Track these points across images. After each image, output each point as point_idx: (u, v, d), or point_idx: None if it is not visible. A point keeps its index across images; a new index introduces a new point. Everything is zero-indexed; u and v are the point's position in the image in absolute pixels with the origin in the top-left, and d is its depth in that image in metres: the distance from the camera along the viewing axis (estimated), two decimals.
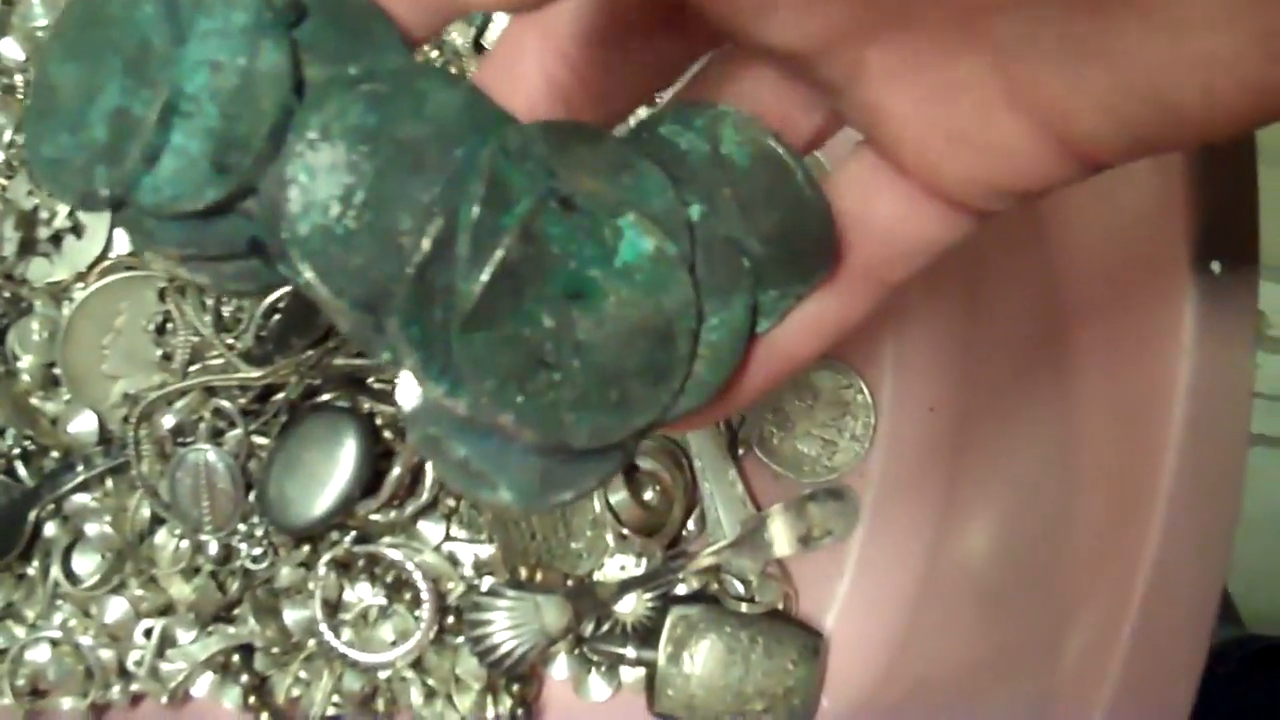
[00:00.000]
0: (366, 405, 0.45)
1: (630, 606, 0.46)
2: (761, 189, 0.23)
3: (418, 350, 0.20)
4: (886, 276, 0.24)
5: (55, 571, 0.46)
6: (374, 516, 0.46)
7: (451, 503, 0.47)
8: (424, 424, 0.22)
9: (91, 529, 0.46)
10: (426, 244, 0.20)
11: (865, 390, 0.47)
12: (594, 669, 0.47)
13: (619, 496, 0.47)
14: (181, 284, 0.46)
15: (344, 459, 0.44)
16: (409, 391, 0.22)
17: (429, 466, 0.46)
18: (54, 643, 0.46)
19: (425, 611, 0.45)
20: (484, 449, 0.22)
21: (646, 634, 0.46)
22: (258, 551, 0.46)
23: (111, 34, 0.21)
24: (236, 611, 0.47)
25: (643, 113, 0.31)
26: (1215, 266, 0.39)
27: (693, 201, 0.22)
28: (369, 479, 0.45)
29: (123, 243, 0.47)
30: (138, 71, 0.20)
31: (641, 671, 0.46)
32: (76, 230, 0.47)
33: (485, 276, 0.20)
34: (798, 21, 0.20)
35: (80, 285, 0.47)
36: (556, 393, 0.21)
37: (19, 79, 0.48)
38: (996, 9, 0.19)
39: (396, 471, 0.45)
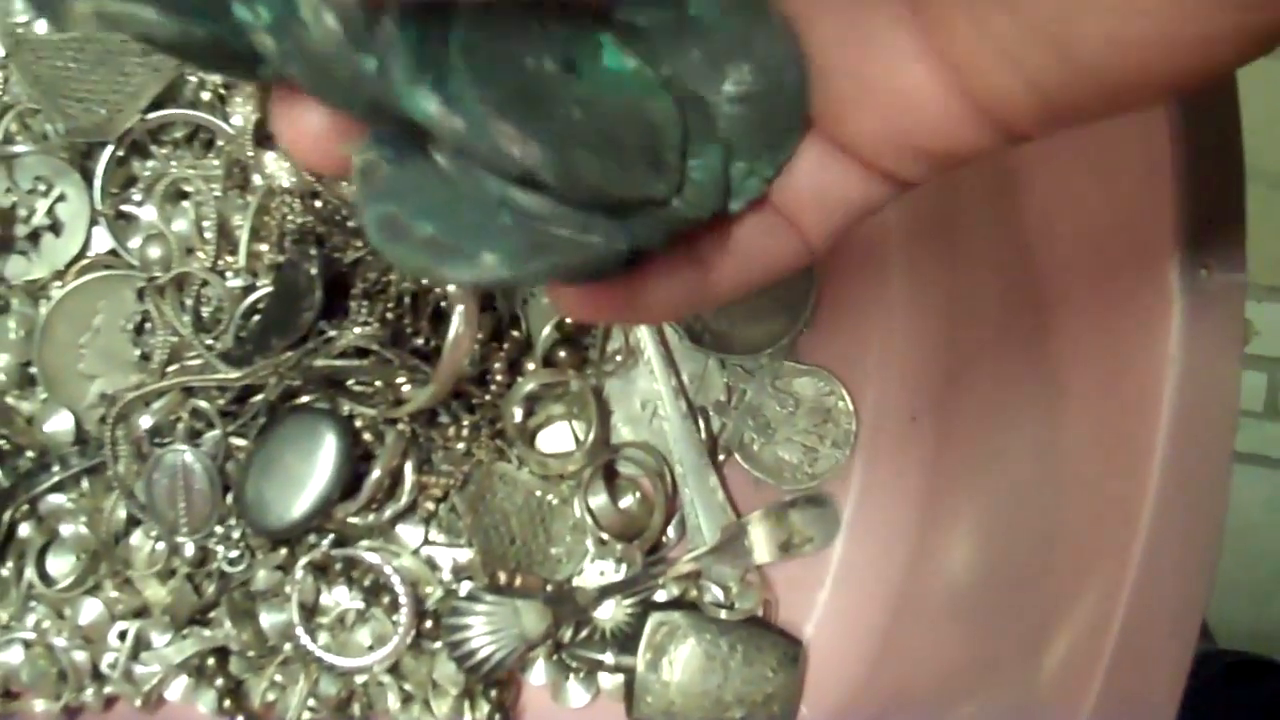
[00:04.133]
0: (346, 407, 0.45)
1: (609, 612, 0.46)
2: (734, 38, 0.21)
3: (412, 51, 0.18)
4: (803, 226, 0.23)
5: (29, 572, 0.46)
6: (352, 519, 0.45)
7: (430, 507, 0.46)
8: (382, 202, 0.19)
9: (67, 530, 0.46)
10: None
11: (847, 397, 0.47)
12: (572, 675, 0.47)
13: (599, 501, 0.46)
14: (161, 284, 0.45)
15: (323, 461, 0.44)
16: (362, 167, 0.19)
17: (408, 469, 0.46)
18: (27, 644, 0.46)
19: (403, 616, 0.45)
20: (457, 222, 0.19)
21: (625, 640, 0.46)
22: (234, 554, 0.46)
23: None
24: (212, 614, 0.46)
25: None
26: (1203, 273, 0.39)
27: (660, 66, 0.21)
28: (348, 481, 0.44)
29: (102, 241, 0.47)
30: None
31: (620, 678, 0.46)
32: (55, 228, 0.46)
33: None
34: None
35: (58, 284, 0.46)
36: (561, 126, 0.19)
37: None
38: None
39: (376, 474, 0.45)
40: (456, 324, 0.42)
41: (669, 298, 0.23)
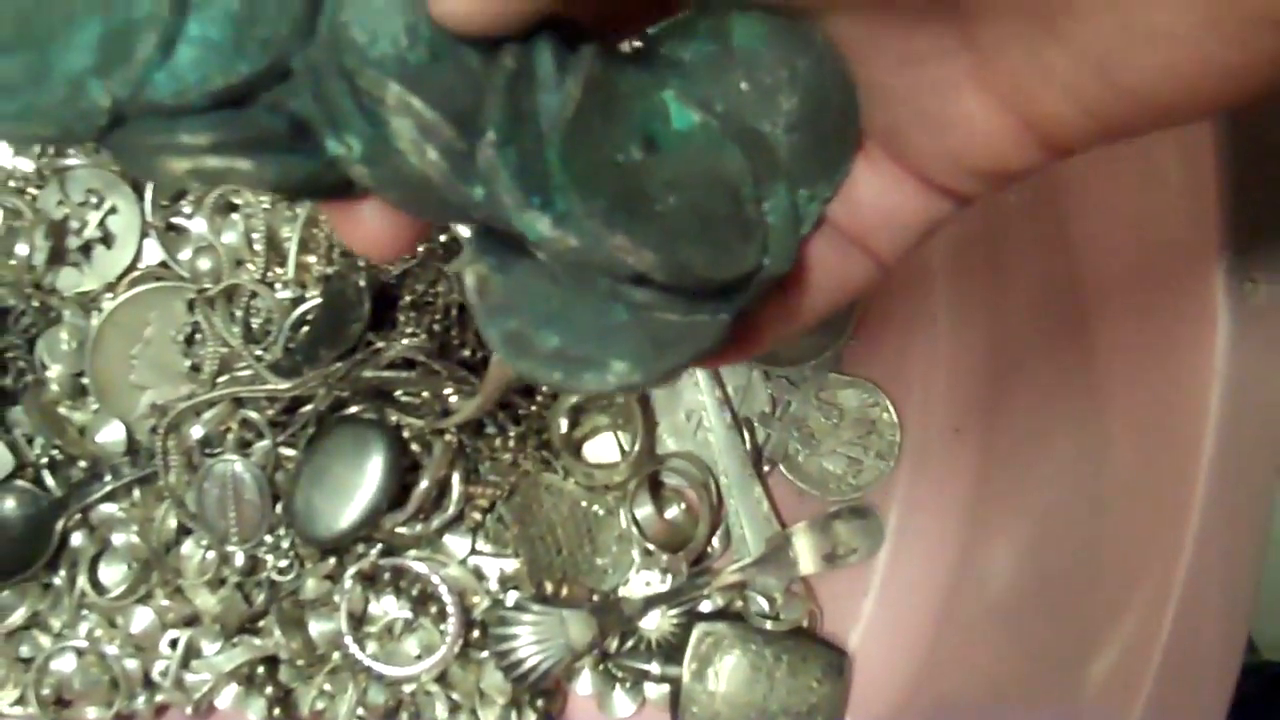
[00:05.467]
0: (394, 418, 0.45)
1: (655, 623, 0.46)
2: (782, 68, 0.22)
3: (516, 177, 0.18)
4: (873, 246, 0.24)
5: (82, 581, 0.46)
6: (400, 529, 0.46)
7: (477, 517, 0.47)
8: (504, 319, 0.20)
9: (118, 539, 0.47)
10: (510, 62, 0.18)
11: (891, 409, 0.47)
12: (618, 685, 0.47)
13: (645, 512, 0.47)
14: (211, 295, 0.46)
15: (371, 471, 0.44)
16: (477, 285, 0.20)
17: (455, 479, 0.46)
18: (79, 652, 0.46)
19: (450, 625, 0.45)
20: (579, 329, 0.20)
21: (671, 650, 0.46)
22: (284, 563, 0.46)
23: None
24: (262, 623, 0.47)
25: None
26: (1249, 285, 0.39)
27: (714, 101, 0.22)
28: (395, 492, 0.45)
29: (153, 253, 0.47)
30: None
31: (666, 688, 0.46)
32: (106, 240, 0.47)
33: (577, 87, 0.19)
34: None
35: (109, 295, 0.47)
36: (663, 222, 0.19)
37: None
38: None
39: (423, 485, 0.45)
40: None
41: (768, 335, 0.24)
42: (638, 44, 0.22)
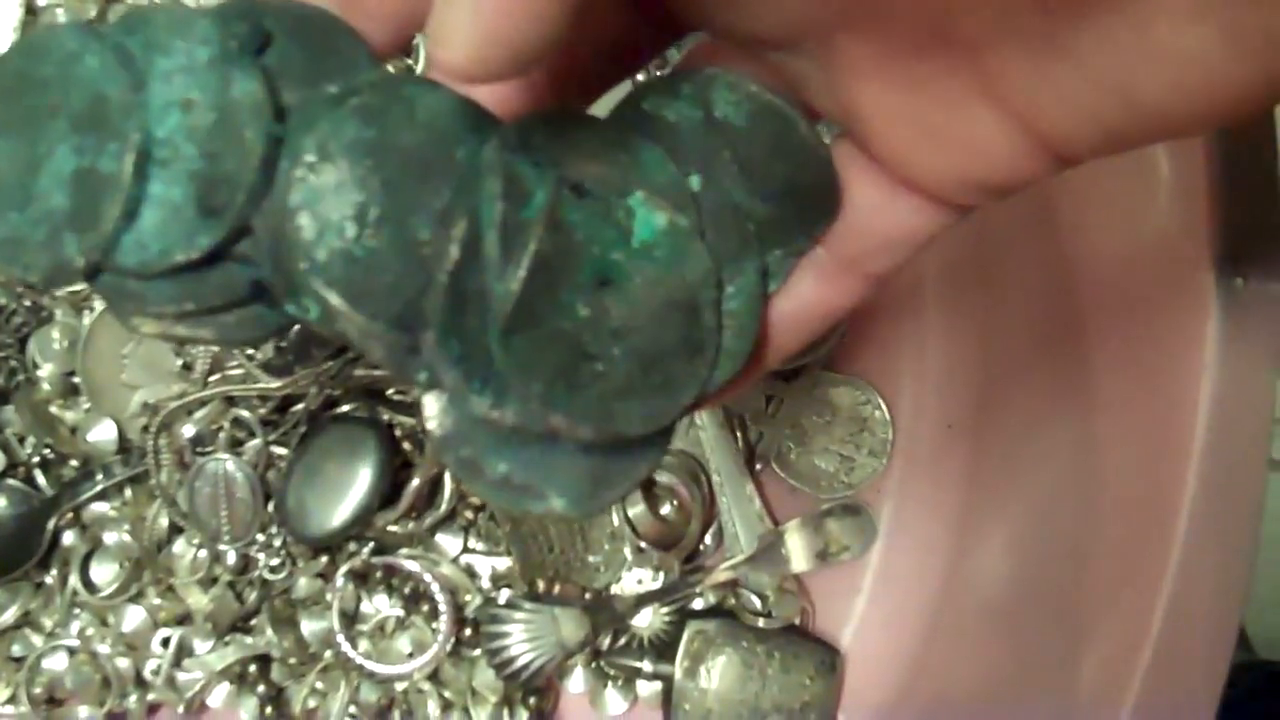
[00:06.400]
0: (386, 416, 0.45)
1: (647, 620, 0.46)
2: (763, 145, 0.22)
3: (457, 366, 0.19)
4: (869, 268, 0.24)
5: (73, 580, 0.46)
6: (392, 528, 0.46)
7: (469, 515, 0.47)
8: (457, 446, 0.21)
9: (110, 538, 0.47)
10: (455, 250, 0.19)
11: (883, 406, 0.47)
12: (610, 682, 0.47)
13: (637, 510, 0.47)
14: None
15: (362, 470, 0.44)
16: (435, 415, 0.21)
17: (447, 478, 0.46)
18: (71, 651, 0.46)
19: (442, 623, 0.45)
20: (525, 459, 0.21)
21: (663, 648, 0.46)
22: (275, 562, 0.46)
23: (49, 98, 0.19)
24: (254, 622, 0.47)
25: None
26: (1239, 282, 0.39)
27: (691, 171, 0.22)
28: (387, 490, 0.45)
29: None
30: (96, 126, 0.19)
31: (658, 685, 0.46)
32: None
33: (522, 273, 0.19)
34: (767, 11, 0.20)
35: None
36: (603, 383, 0.20)
37: None
38: (967, 5, 0.19)
39: (415, 483, 0.45)
40: None
41: (775, 354, 0.24)
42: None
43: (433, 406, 0.21)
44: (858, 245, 0.23)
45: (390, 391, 0.46)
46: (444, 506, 0.46)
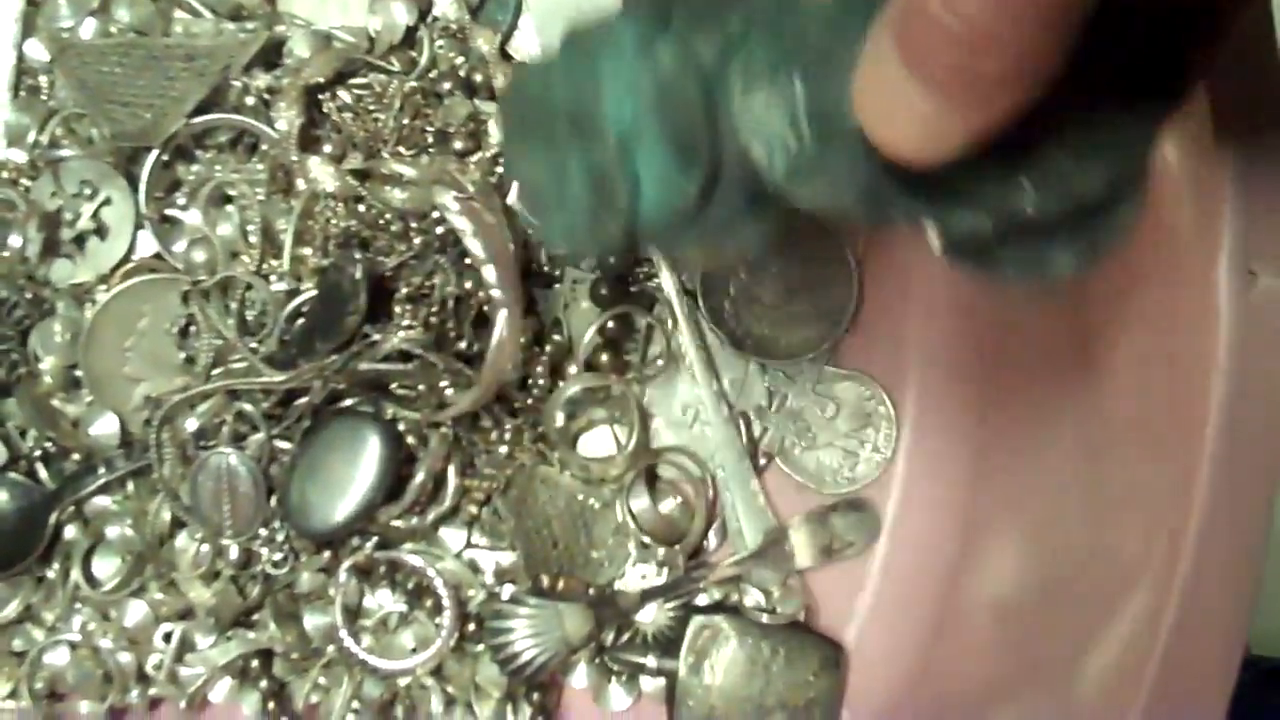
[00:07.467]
0: (390, 410, 0.45)
1: (651, 616, 0.46)
2: None
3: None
4: None
5: (75, 574, 0.46)
6: (395, 523, 0.45)
7: (473, 510, 0.46)
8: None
9: (112, 532, 0.46)
10: None
11: (888, 402, 0.47)
12: (614, 678, 0.47)
13: (641, 505, 0.47)
14: (205, 288, 0.45)
15: (366, 464, 0.44)
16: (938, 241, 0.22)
17: (450, 472, 0.46)
18: (73, 646, 0.46)
19: (446, 619, 0.45)
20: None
21: (667, 644, 0.46)
22: (278, 556, 0.46)
23: (545, 116, 0.25)
24: (256, 616, 0.46)
25: None
26: (1251, 276, 0.38)
27: None
28: (391, 484, 0.45)
29: (147, 245, 0.47)
30: (585, 134, 0.24)
31: (662, 681, 0.46)
32: (100, 232, 0.47)
33: None
34: None
35: (103, 287, 0.46)
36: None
37: (44, 80, 0.48)
38: None
39: (419, 477, 0.45)
40: (500, 328, 0.42)
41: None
42: None
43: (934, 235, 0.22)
44: None
45: (394, 385, 0.45)
46: (448, 501, 0.46)
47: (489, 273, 0.42)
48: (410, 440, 0.45)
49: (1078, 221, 0.23)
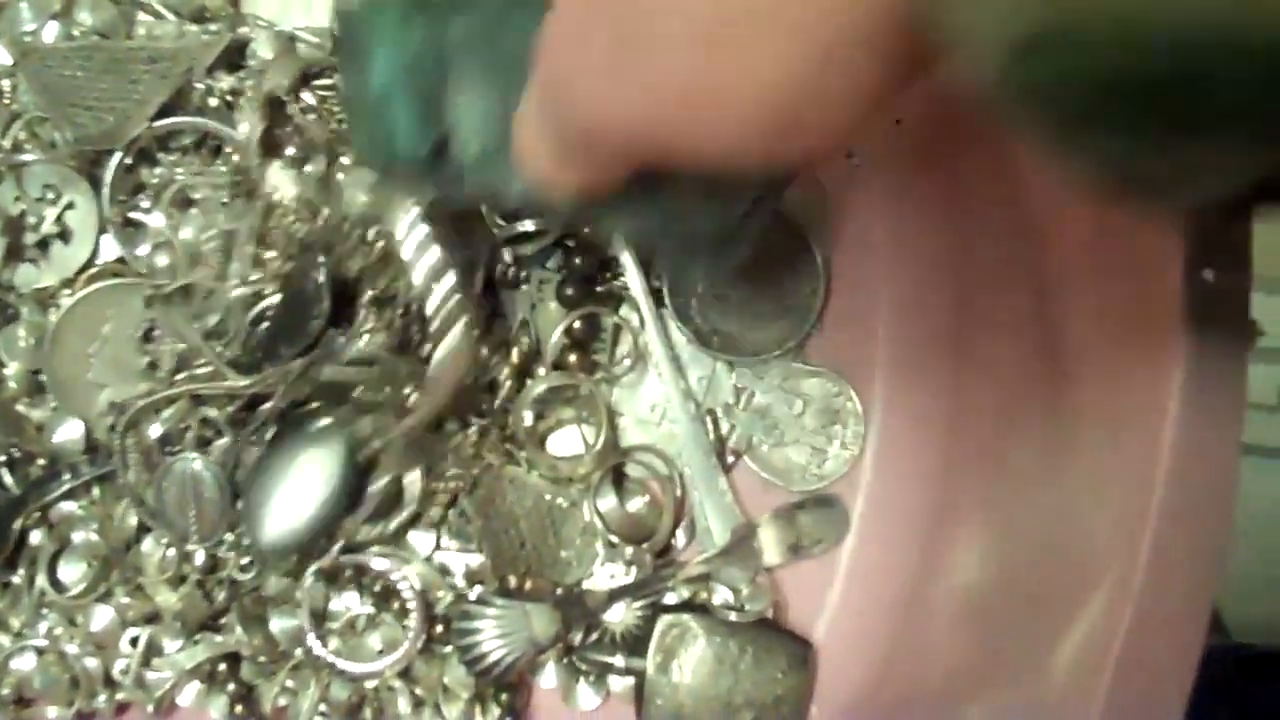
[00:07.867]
0: (353, 415, 0.45)
1: (619, 615, 0.46)
2: None
3: None
4: None
5: (41, 579, 0.46)
6: (360, 535, 0.45)
7: (436, 513, 0.46)
8: None
9: (78, 537, 0.46)
10: None
11: (855, 398, 0.47)
12: (582, 678, 0.47)
13: (609, 504, 0.47)
14: (168, 292, 0.45)
15: (328, 472, 0.44)
16: None
17: (413, 478, 0.45)
18: (39, 651, 0.46)
19: (413, 621, 0.45)
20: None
21: (635, 643, 0.46)
22: (245, 561, 0.46)
23: (347, 47, 0.33)
24: (223, 620, 0.46)
25: None
26: (1208, 274, 0.39)
27: None
28: (355, 490, 0.44)
29: (110, 249, 0.47)
30: (360, 73, 0.30)
31: (630, 680, 0.46)
32: (64, 236, 0.47)
33: None
34: None
35: (67, 292, 0.46)
36: None
37: (6, 84, 0.47)
38: None
39: (381, 482, 0.45)
40: (452, 341, 0.42)
41: None
42: None
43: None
44: None
45: (356, 392, 0.45)
46: (412, 506, 0.45)
47: (436, 291, 0.42)
48: (375, 444, 0.45)
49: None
